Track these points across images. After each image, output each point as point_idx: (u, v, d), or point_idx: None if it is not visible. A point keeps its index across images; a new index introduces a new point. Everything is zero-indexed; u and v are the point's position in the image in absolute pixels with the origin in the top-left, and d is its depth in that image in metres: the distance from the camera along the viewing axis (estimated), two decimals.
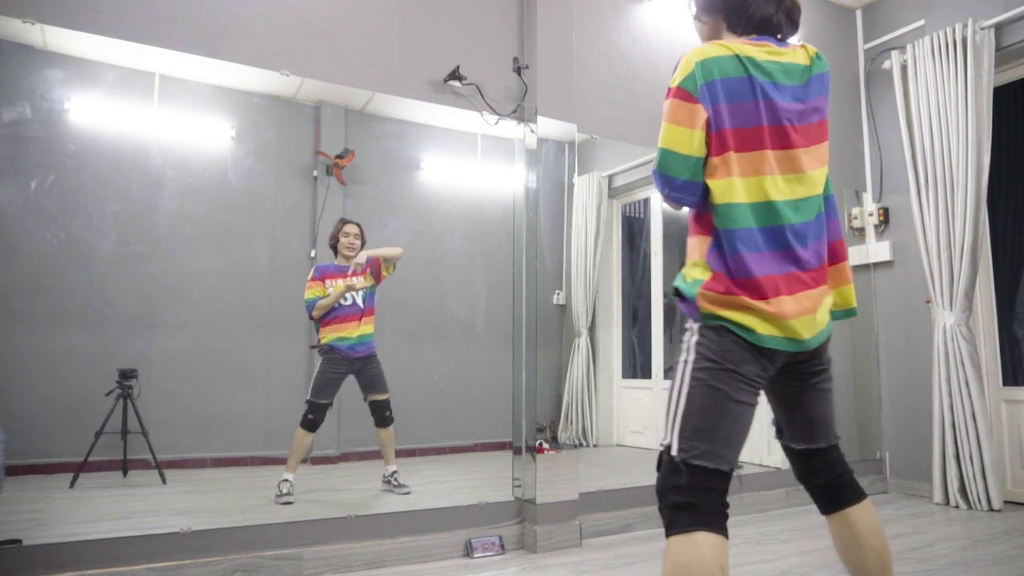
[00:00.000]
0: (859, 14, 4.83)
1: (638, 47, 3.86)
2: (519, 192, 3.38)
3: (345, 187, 3.42)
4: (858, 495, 1.53)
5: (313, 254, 3.34)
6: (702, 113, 1.38)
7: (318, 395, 3.16)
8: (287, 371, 3.29)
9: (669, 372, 4.78)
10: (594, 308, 4.20)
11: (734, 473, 1.37)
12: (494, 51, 3.40)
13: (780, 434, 1.60)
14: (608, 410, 4.68)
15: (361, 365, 3.28)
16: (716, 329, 1.36)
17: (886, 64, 4.44)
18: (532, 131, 3.32)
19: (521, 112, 3.38)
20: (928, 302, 4.09)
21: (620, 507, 3.34)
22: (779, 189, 1.39)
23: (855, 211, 4.68)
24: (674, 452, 1.35)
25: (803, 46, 1.49)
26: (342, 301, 3.26)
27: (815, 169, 1.44)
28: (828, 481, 1.54)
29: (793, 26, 1.53)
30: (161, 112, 3.00)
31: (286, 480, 3.00)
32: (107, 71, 2.89)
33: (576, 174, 3.50)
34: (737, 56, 1.40)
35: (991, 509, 3.70)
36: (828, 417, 1.54)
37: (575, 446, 3.67)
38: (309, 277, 3.27)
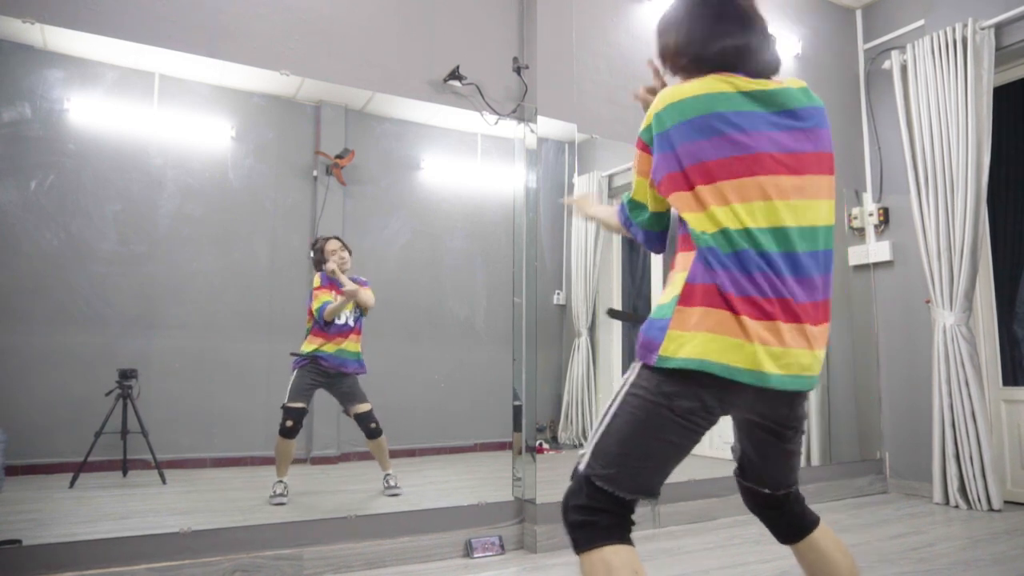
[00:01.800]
0: (859, 14, 4.83)
1: (638, 47, 3.86)
2: (519, 192, 3.38)
3: (345, 187, 3.42)
4: (815, 520, 1.53)
5: (313, 254, 3.34)
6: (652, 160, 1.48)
7: (294, 399, 3.13)
8: (287, 371, 3.29)
9: None
10: (594, 308, 4.20)
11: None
12: (494, 51, 3.40)
13: (742, 473, 1.58)
14: None
15: (336, 379, 3.24)
16: None
17: (886, 64, 4.44)
18: (532, 131, 3.32)
19: (521, 112, 3.38)
20: (928, 302, 4.09)
21: None
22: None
23: (855, 211, 4.68)
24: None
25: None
26: (338, 320, 3.24)
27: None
28: (787, 516, 1.53)
29: (779, 66, 1.44)
30: (161, 112, 3.00)
31: (280, 482, 3.00)
32: (107, 71, 2.89)
33: (576, 174, 3.50)
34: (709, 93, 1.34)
35: (991, 509, 3.70)
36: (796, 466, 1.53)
37: (575, 446, 3.67)
38: (316, 285, 3.25)
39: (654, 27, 1.55)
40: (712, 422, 1.36)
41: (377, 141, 3.56)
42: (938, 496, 3.93)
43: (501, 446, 3.38)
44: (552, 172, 3.38)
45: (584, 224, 4.29)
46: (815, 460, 4.16)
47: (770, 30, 1.45)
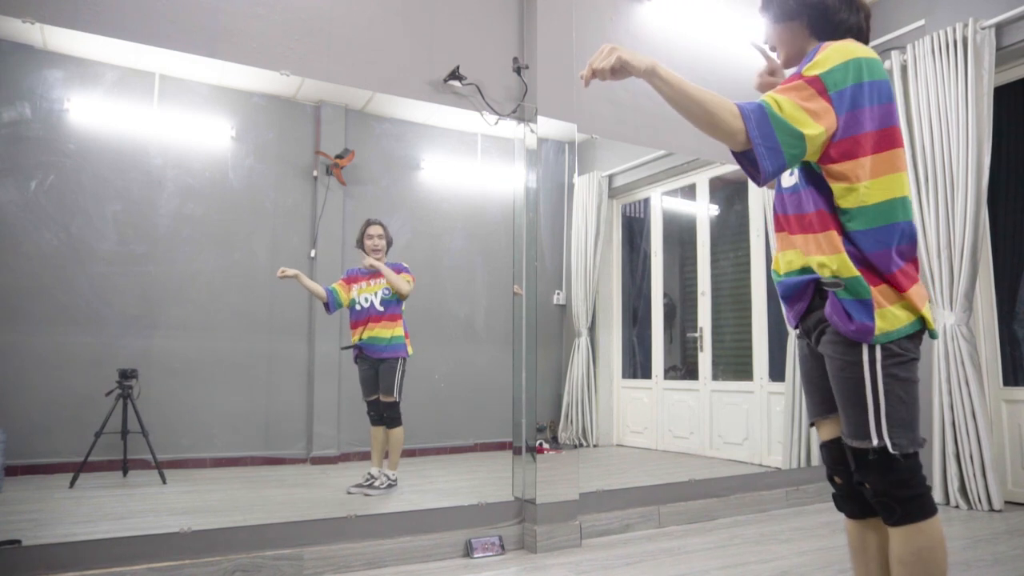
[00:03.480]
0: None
1: (638, 47, 3.85)
2: (519, 192, 3.38)
3: (345, 187, 3.42)
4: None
5: (313, 254, 3.34)
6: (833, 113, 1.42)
7: (364, 394, 3.37)
8: (287, 371, 3.29)
9: (669, 372, 4.80)
10: (594, 308, 4.20)
11: None
12: (494, 51, 3.40)
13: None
14: (608, 410, 4.68)
15: (377, 364, 3.38)
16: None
17: (886, 64, 4.44)
18: (532, 131, 3.32)
19: (521, 112, 3.38)
20: (928, 302, 4.09)
21: (620, 507, 3.34)
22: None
23: None
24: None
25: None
26: (362, 303, 3.37)
27: None
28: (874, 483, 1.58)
29: (869, 32, 1.56)
30: (161, 112, 3.00)
31: (368, 472, 3.24)
32: (107, 71, 2.89)
33: (576, 174, 3.50)
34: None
35: (991, 509, 3.70)
36: None
37: (575, 446, 3.67)
38: (341, 277, 3.40)
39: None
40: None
41: (377, 141, 3.56)
42: (938, 496, 3.93)
43: (501, 446, 3.38)
44: (552, 172, 3.38)
45: (584, 224, 4.29)
46: (815, 460, 4.16)
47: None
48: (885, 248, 1.43)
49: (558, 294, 3.54)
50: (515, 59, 3.41)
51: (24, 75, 2.72)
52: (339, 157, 3.39)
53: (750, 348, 4.44)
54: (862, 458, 1.45)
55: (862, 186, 1.42)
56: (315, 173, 3.37)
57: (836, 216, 1.45)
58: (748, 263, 4.50)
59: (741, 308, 4.54)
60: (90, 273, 2.86)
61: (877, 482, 1.44)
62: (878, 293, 1.43)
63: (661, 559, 2.89)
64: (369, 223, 3.42)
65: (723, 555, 2.94)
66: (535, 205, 3.32)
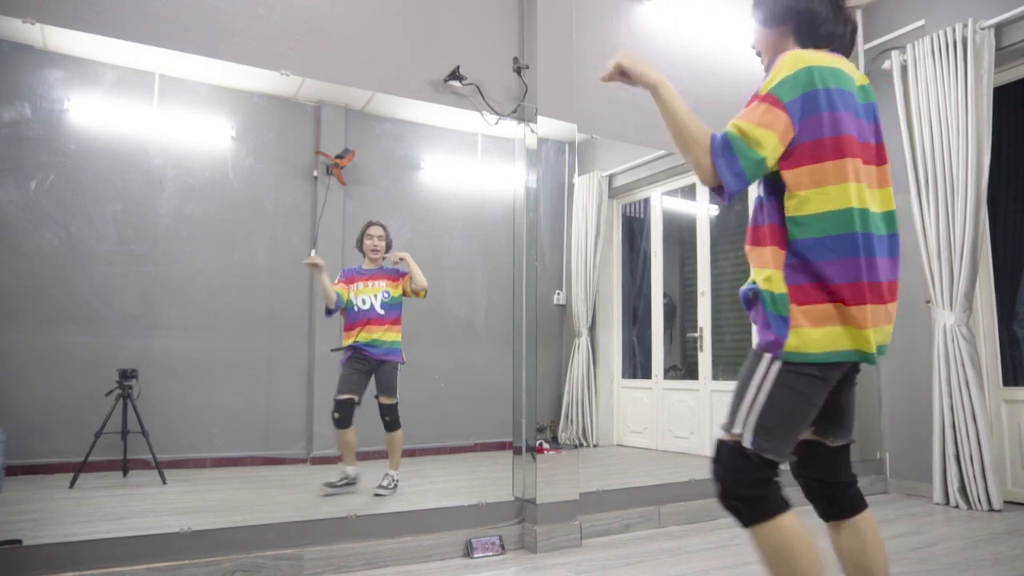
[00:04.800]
0: (859, 14, 4.83)
1: (638, 47, 3.86)
2: (519, 192, 3.38)
3: (345, 187, 3.42)
4: (864, 503, 1.59)
5: (313, 254, 3.34)
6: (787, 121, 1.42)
7: (341, 391, 3.26)
8: (287, 371, 3.29)
9: (669, 372, 4.80)
10: (594, 308, 4.20)
11: None
12: (494, 51, 3.40)
13: (823, 432, 1.60)
14: (608, 410, 4.68)
15: (376, 366, 3.35)
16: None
17: (886, 64, 4.44)
18: (532, 131, 3.32)
19: (521, 112, 3.38)
20: (928, 302, 4.09)
21: (620, 507, 3.34)
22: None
23: None
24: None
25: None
26: (361, 305, 3.33)
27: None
28: (849, 482, 1.60)
29: (852, 46, 1.56)
30: (161, 112, 3.00)
31: (343, 470, 3.18)
32: (107, 71, 2.89)
33: (576, 174, 3.50)
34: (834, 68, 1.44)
35: (991, 509, 3.70)
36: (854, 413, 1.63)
37: (575, 446, 3.67)
38: (337, 279, 3.35)
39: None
40: None
41: (377, 141, 3.56)
42: (938, 496, 3.93)
43: (501, 446, 3.38)
44: (552, 172, 3.38)
45: (584, 224, 4.29)
46: None
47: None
48: (832, 259, 1.41)
49: (558, 294, 3.54)
50: (515, 59, 3.41)
51: (24, 75, 2.72)
52: (339, 157, 3.39)
53: (750, 348, 4.43)
54: (718, 450, 1.48)
55: (809, 193, 1.41)
56: (315, 173, 3.37)
57: (785, 229, 1.45)
58: (748, 263, 4.49)
59: (741, 308, 4.53)
60: (90, 273, 2.86)
61: (725, 479, 1.45)
62: (800, 313, 1.41)
63: (661, 559, 2.89)
64: (370, 224, 3.41)
65: (723, 555, 2.94)
66: (535, 205, 3.32)
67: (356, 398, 3.27)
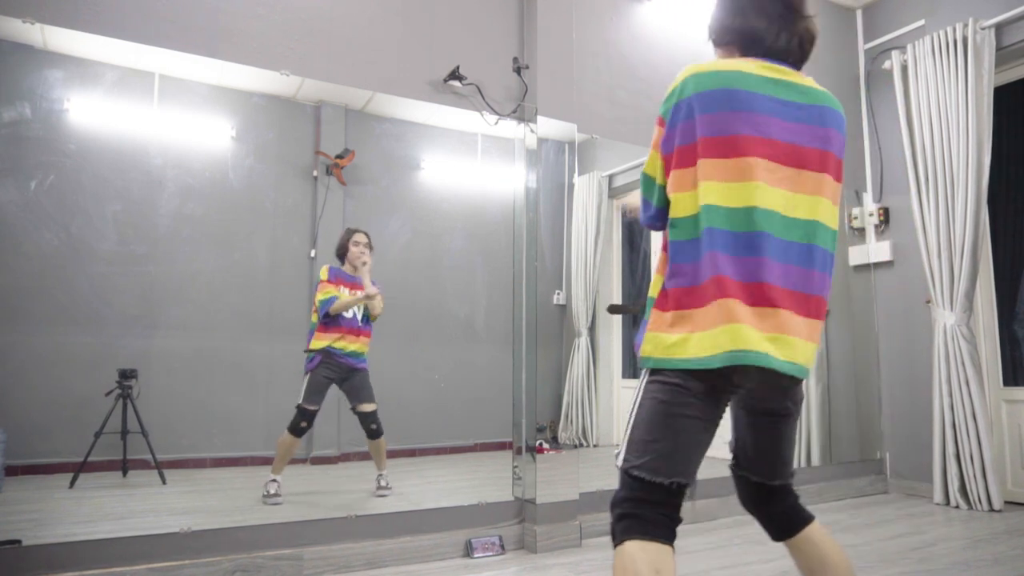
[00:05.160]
0: (859, 14, 4.83)
1: (638, 47, 3.86)
2: (519, 192, 3.38)
3: (345, 187, 3.42)
4: (809, 517, 1.53)
5: (313, 254, 3.34)
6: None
7: (308, 400, 3.13)
8: (287, 371, 3.28)
9: None
10: (594, 308, 4.19)
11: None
12: (494, 51, 3.40)
13: (743, 466, 1.57)
14: (608, 410, 4.68)
15: (349, 374, 3.24)
16: None
17: (886, 64, 4.44)
18: (532, 131, 3.32)
19: (521, 112, 3.38)
20: (928, 302, 4.09)
21: None
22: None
23: (855, 211, 4.68)
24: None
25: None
26: (345, 314, 3.25)
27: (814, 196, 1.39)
28: (782, 509, 1.53)
29: (805, 57, 1.51)
30: (161, 112, 3.00)
31: (274, 481, 2.98)
32: (107, 71, 2.89)
33: (576, 174, 3.50)
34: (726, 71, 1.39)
35: (991, 509, 3.70)
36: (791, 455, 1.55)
37: (575, 446, 3.67)
38: (323, 279, 3.24)
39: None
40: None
41: (377, 141, 3.55)
42: (938, 496, 3.93)
43: (501, 446, 3.38)
44: (552, 172, 3.38)
45: (584, 224, 4.29)
46: (815, 460, 4.16)
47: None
48: (691, 261, 1.33)
49: (558, 294, 3.54)
50: (515, 59, 3.41)
51: (24, 75, 2.72)
52: (339, 157, 3.39)
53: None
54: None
55: (677, 196, 1.38)
56: (315, 173, 3.37)
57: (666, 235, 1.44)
58: None
59: None
60: (90, 273, 2.86)
61: (614, 494, 1.39)
62: (658, 316, 1.36)
63: None
64: (355, 231, 3.31)
65: (724, 555, 2.94)
66: (535, 205, 3.32)
67: (319, 408, 3.16)
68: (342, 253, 3.31)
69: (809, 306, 1.34)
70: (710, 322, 1.28)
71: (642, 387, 1.37)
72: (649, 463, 1.31)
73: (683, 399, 1.31)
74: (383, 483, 3.23)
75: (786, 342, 1.29)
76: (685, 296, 1.32)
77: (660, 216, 1.46)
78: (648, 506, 1.32)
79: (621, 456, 1.36)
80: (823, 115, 1.43)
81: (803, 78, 1.47)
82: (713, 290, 1.28)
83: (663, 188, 1.44)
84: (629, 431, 1.36)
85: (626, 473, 1.34)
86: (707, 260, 1.30)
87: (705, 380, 1.31)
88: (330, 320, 3.22)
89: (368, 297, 3.24)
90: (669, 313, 1.35)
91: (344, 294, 3.26)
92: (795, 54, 1.49)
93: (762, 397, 1.45)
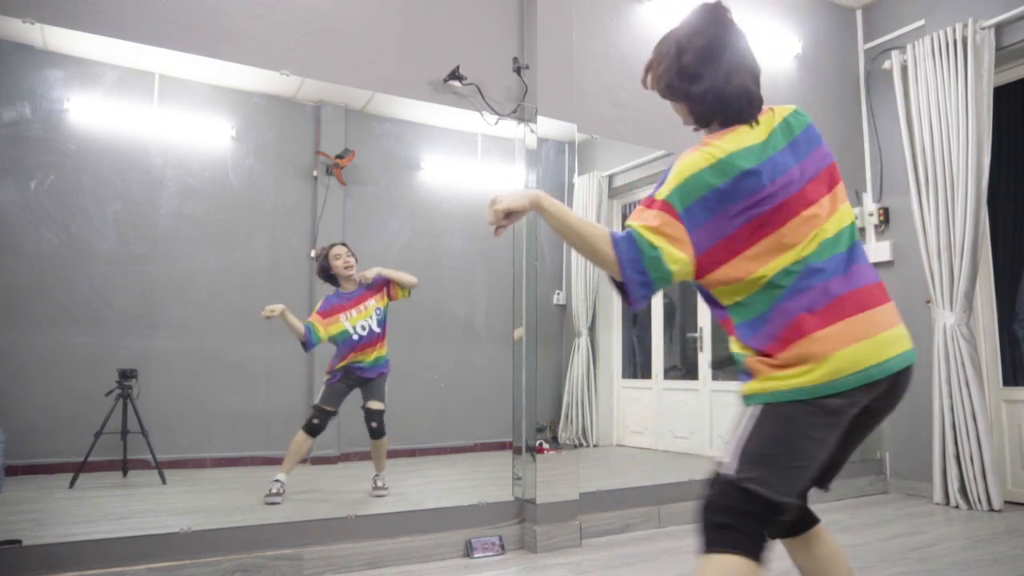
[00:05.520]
0: (859, 14, 4.83)
1: (638, 47, 3.85)
2: None
3: (345, 187, 3.42)
4: (815, 517, 1.54)
5: (313, 254, 3.34)
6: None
7: (326, 402, 3.16)
8: (287, 371, 3.29)
9: (669, 372, 4.80)
10: (594, 308, 4.20)
11: None
12: (494, 51, 3.40)
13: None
14: (608, 410, 4.68)
15: (370, 380, 3.28)
16: None
17: (886, 64, 4.44)
18: (532, 131, 3.32)
19: (521, 112, 3.38)
20: (928, 302, 4.09)
21: (620, 507, 3.34)
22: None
23: (855, 211, 4.68)
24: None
25: (771, 109, 1.45)
26: (360, 332, 3.23)
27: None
28: (800, 504, 1.51)
29: (757, 99, 1.46)
30: (161, 112, 3.00)
31: (278, 480, 2.98)
32: (107, 71, 2.89)
33: (576, 174, 3.50)
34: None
35: (991, 509, 3.70)
36: None
37: (575, 446, 3.67)
38: (316, 309, 3.21)
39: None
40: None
41: (377, 141, 3.56)
42: (938, 496, 3.93)
43: (501, 446, 3.38)
44: (552, 172, 3.38)
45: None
46: None
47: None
48: (771, 329, 1.35)
49: (558, 294, 3.55)
50: (515, 59, 3.41)
51: (24, 75, 2.72)
52: (339, 157, 3.39)
53: None
54: (713, 475, 1.39)
55: (742, 283, 1.36)
56: (315, 173, 3.37)
57: (728, 312, 1.42)
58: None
59: None
60: (90, 273, 2.86)
61: (706, 499, 1.38)
62: (755, 362, 1.37)
63: (661, 559, 2.89)
64: (331, 246, 3.26)
65: None
66: None
67: (336, 411, 3.18)
68: (328, 275, 3.26)
69: (874, 296, 1.42)
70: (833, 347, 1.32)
71: (752, 410, 1.36)
72: (767, 479, 1.30)
73: (815, 420, 1.32)
74: (379, 483, 3.23)
75: (879, 339, 1.37)
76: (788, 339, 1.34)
77: (647, 300, 1.43)
78: (752, 521, 1.31)
79: (734, 467, 1.32)
80: (811, 133, 1.49)
81: (767, 116, 1.46)
82: (812, 320, 1.34)
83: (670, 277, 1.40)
84: (746, 441, 1.33)
85: (736, 484, 1.31)
86: (792, 318, 1.35)
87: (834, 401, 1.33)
88: (344, 346, 3.23)
89: (392, 274, 3.24)
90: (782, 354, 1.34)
91: (350, 316, 3.24)
92: (754, 97, 1.46)
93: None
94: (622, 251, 1.34)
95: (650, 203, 1.37)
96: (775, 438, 1.32)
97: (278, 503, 2.93)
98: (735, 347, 1.43)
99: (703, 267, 1.37)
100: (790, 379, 1.32)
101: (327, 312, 3.22)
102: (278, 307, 3.04)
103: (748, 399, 1.37)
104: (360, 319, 3.25)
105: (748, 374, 1.38)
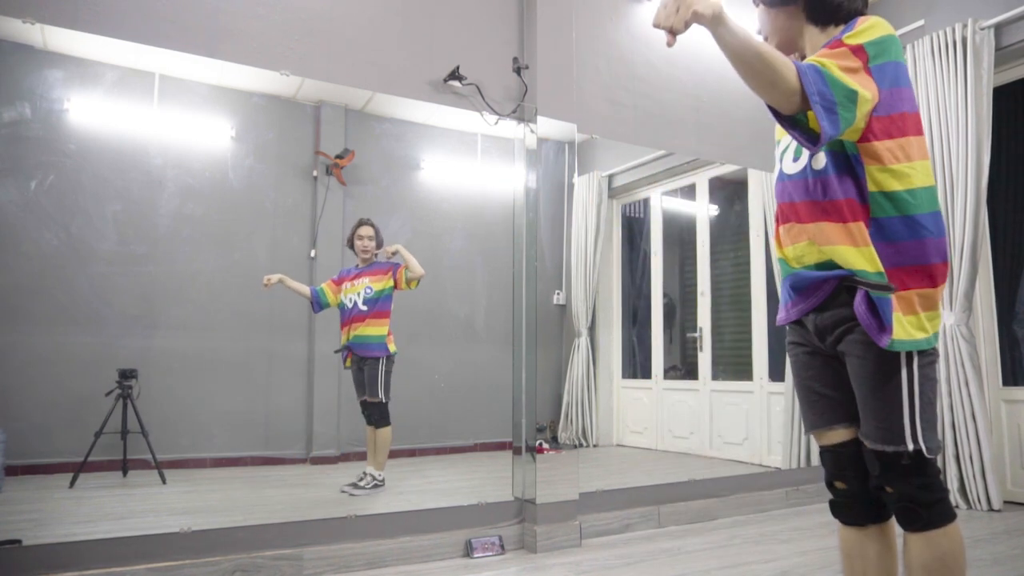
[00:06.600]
0: None
1: (638, 47, 3.86)
2: (519, 192, 3.38)
3: (345, 187, 3.42)
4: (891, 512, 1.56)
5: (313, 254, 3.34)
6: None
7: (357, 393, 3.36)
8: (287, 371, 3.29)
9: (669, 372, 4.80)
10: (594, 308, 4.20)
11: None
12: (494, 51, 3.40)
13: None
14: (608, 410, 4.68)
15: (363, 363, 3.34)
16: None
17: None
18: (532, 131, 3.32)
19: (521, 112, 3.38)
20: None
21: (620, 507, 3.34)
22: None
23: None
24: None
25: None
26: (347, 304, 3.36)
27: None
28: (878, 487, 1.50)
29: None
30: (161, 112, 3.00)
31: (363, 471, 3.22)
32: (107, 71, 2.89)
33: (576, 174, 3.50)
34: None
35: (991, 509, 3.70)
36: None
37: (575, 446, 3.67)
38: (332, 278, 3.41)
39: None
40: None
41: (377, 141, 3.56)
42: None
43: (501, 446, 3.38)
44: (552, 172, 3.38)
45: (584, 224, 4.29)
46: (815, 460, 4.15)
47: None
48: (929, 237, 1.32)
49: (558, 294, 3.55)
50: (515, 59, 3.41)
51: (24, 75, 2.72)
52: (339, 157, 3.39)
53: (750, 348, 4.44)
54: (891, 462, 1.36)
55: (907, 167, 1.31)
56: (315, 173, 3.37)
57: (866, 206, 1.33)
58: (748, 263, 4.50)
59: (741, 308, 4.54)
60: (90, 273, 2.86)
61: (904, 487, 1.36)
62: (901, 298, 1.31)
63: (661, 559, 2.89)
64: (361, 223, 3.43)
65: (723, 555, 2.94)
66: (535, 205, 3.32)
67: (366, 397, 3.34)
68: (351, 244, 3.44)
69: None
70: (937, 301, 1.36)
71: (916, 368, 1.34)
72: (939, 440, 1.39)
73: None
74: (362, 482, 3.21)
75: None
76: (938, 274, 1.36)
77: (835, 136, 1.28)
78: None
79: (924, 444, 1.33)
80: None
81: None
82: (942, 273, 1.36)
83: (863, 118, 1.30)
84: (922, 416, 1.33)
85: (929, 453, 1.35)
86: (939, 239, 1.35)
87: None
88: (341, 316, 3.38)
89: (403, 257, 3.38)
90: (933, 290, 1.35)
91: (346, 288, 3.39)
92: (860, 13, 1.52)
93: None
94: (808, 79, 1.23)
95: (838, 44, 1.33)
96: (936, 395, 1.38)
97: (358, 494, 3.16)
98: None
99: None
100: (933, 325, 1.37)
101: (339, 281, 3.40)
102: (275, 276, 3.19)
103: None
104: (351, 292, 3.38)
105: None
